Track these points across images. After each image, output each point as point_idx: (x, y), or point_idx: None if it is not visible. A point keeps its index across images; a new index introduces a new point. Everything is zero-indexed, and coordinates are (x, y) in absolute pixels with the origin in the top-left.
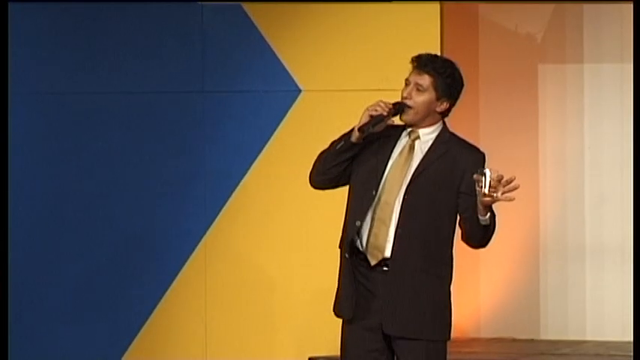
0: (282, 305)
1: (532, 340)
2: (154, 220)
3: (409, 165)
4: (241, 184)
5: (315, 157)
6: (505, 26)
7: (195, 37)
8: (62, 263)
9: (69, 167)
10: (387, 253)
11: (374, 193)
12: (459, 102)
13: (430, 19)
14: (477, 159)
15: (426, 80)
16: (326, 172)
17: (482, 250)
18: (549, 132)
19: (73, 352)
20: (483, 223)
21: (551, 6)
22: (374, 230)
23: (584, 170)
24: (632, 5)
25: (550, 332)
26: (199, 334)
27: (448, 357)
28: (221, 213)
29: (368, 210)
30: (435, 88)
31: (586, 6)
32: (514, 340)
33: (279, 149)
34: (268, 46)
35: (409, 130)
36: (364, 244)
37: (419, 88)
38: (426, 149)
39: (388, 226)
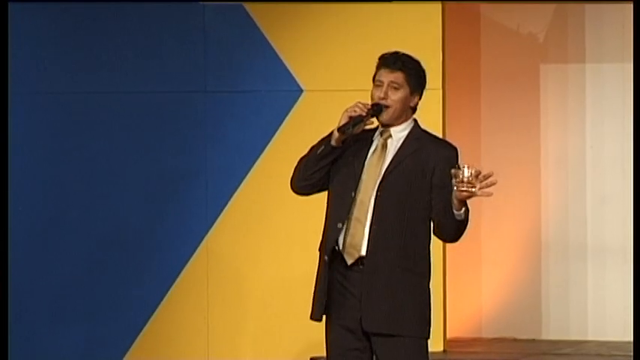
0: (284, 305)
1: (533, 340)
2: (156, 220)
3: (382, 163)
4: (243, 183)
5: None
6: (507, 26)
7: (197, 37)
8: (63, 263)
9: (70, 167)
10: (363, 252)
11: (352, 194)
12: (461, 101)
13: (432, 18)
14: (449, 154)
15: (399, 77)
16: (308, 178)
17: (483, 250)
18: (551, 131)
19: (75, 352)
20: (458, 217)
21: (552, 5)
22: (351, 230)
23: (586, 170)
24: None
25: (551, 332)
26: (201, 333)
27: (449, 357)
28: (223, 213)
29: (348, 212)
30: (409, 84)
31: (588, 5)
32: (515, 340)
33: (281, 149)
34: (270, 45)
35: (381, 130)
36: (341, 245)
37: (394, 86)
38: (398, 146)
39: (364, 225)
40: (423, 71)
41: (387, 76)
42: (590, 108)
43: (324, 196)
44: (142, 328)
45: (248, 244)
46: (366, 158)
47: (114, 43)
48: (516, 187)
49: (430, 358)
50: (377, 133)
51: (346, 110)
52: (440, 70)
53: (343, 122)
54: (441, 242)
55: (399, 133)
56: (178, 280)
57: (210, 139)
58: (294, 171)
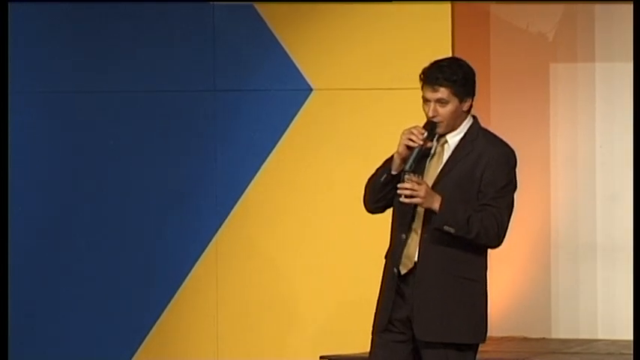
0: (293, 304)
1: (543, 338)
2: (165, 219)
3: (437, 169)
4: (252, 182)
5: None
6: (516, 25)
7: (207, 37)
8: (72, 263)
9: (78, 166)
10: (415, 261)
11: (414, 205)
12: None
13: (441, 18)
14: (500, 151)
15: (444, 93)
16: (377, 202)
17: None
18: (561, 131)
19: (84, 352)
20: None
21: (562, 5)
22: (408, 241)
23: (596, 169)
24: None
25: (561, 331)
26: (211, 333)
27: None
28: (232, 212)
29: (410, 223)
30: (455, 95)
31: (597, 5)
32: (525, 339)
33: (291, 148)
34: (279, 45)
35: (438, 137)
36: (402, 257)
37: (441, 103)
38: (451, 151)
39: (419, 234)
40: (470, 75)
41: (432, 95)
42: (599, 107)
43: (335, 195)
44: (150, 328)
45: (258, 244)
46: (424, 168)
47: (123, 42)
48: (526, 185)
49: None
50: (434, 141)
51: (403, 134)
52: None
53: (402, 151)
54: None
55: (453, 138)
56: (187, 279)
57: (219, 138)
58: (365, 191)
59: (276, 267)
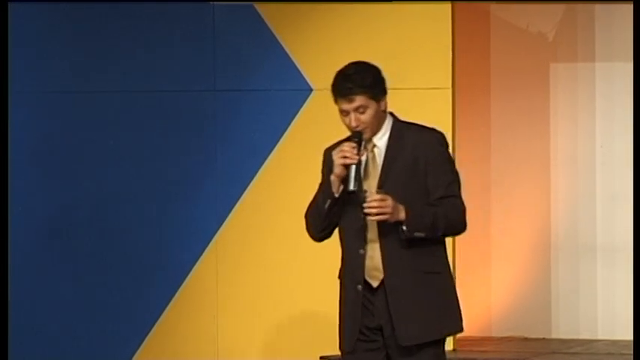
0: (293, 304)
1: (543, 338)
2: (165, 219)
3: (375, 175)
4: (252, 183)
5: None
6: (516, 25)
7: (207, 37)
8: (72, 263)
9: (78, 166)
10: (383, 271)
11: (363, 216)
12: (470, 100)
13: (441, 18)
14: (433, 138)
15: (361, 100)
16: (324, 229)
17: (493, 248)
18: (561, 130)
19: (85, 352)
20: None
21: (562, 4)
22: (369, 254)
23: (596, 168)
24: None
25: (561, 331)
26: (211, 333)
27: (459, 356)
28: (232, 212)
29: (364, 236)
30: (372, 98)
31: (597, 5)
32: (525, 339)
33: (291, 148)
34: (279, 45)
35: (365, 144)
36: (366, 271)
37: (360, 111)
38: (384, 153)
39: (378, 244)
40: (378, 75)
41: (349, 106)
42: (599, 107)
43: None
44: (151, 328)
45: (257, 244)
46: (362, 178)
47: (123, 42)
48: (526, 185)
49: None
50: (363, 149)
51: (335, 154)
52: (450, 70)
53: (339, 172)
54: (450, 241)
55: (381, 139)
56: (188, 279)
57: (219, 138)
58: (307, 221)
59: (276, 267)
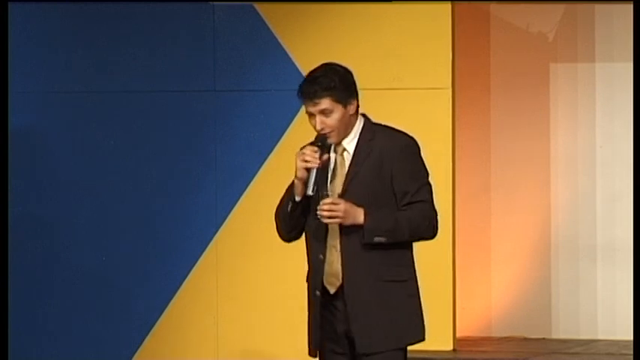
0: (293, 304)
1: (543, 338)
2: (165, 219)
3: (342, 179)
4: (252, 182)
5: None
6: (516, 25)
7: (207, 37)
8: (72, 263)
9: (79, 165)
10: (342, 277)
11: (325, 223)
12: (470, 101)
13: (441, 18)
14: (403, 145)
15: (326, 103)
16: (291, 231)
17: (493, 248)
18: (561, 131)
19: (85, 351)
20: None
21: (562, 5)
22: (328, 259)
23: (596, 169)
24: None
25: (561, 331)
26: (211, 333)
27: (459, 356)
28: (232, 212)
29: (325, 240)
30: (338, 102)
31: (597, 5)
32: (525, 339)
33: (290, 148)
34: (279, 45)
35: (334, 147)
36: (325, 276)
37: (325, 114)
38: (352, 157)
39: (338, 249)
40: (347, 78)
41: (314, 108)
42: (599, 107)
43: None
44: (151, 328)
45: (258, 243)
46: (329, 182)
47: (124, 42)
48: (526, 186)
49: (440, 357)
50: (332, 152)
51: (297, 157)
52: (449, 70)
53: (301, 175)
54: (450, 241)
55: (350, 143)
56: (188, 279)
57: (219, 138)
58: (276, 222)
59: (276, 267)
